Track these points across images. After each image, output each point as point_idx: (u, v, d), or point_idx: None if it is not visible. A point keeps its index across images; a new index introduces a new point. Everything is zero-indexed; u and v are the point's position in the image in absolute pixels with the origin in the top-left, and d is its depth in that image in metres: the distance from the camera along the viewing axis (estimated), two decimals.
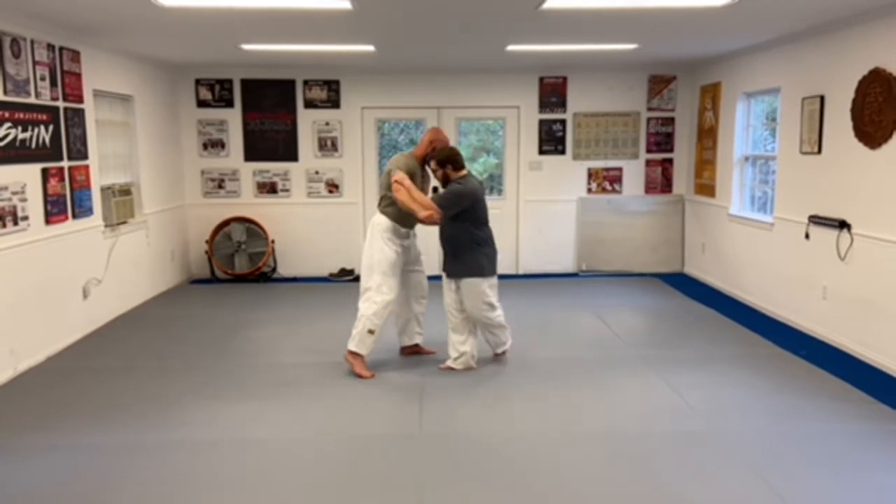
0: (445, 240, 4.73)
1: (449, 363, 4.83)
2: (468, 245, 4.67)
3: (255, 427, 3.98)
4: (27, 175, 4.98)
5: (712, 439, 3.78)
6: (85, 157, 5.80)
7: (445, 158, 4.69)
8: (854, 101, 5.12)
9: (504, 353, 5.08)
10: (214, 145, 8.04)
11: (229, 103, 7.96)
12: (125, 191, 6.56)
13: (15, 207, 4.82)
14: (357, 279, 7.95)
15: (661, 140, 8.29)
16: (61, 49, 5.44)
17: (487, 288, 4.75)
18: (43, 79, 5.18)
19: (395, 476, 3.42)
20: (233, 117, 7.98)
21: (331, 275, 8.13)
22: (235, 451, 3.67)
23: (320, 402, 4.33)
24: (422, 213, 4.53)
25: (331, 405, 4.29)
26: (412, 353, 5.13)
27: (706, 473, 3.42)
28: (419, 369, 4.84)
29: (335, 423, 4.05)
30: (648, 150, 8.29)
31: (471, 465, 3.52)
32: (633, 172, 8.31)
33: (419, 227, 4.89)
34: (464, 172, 4.72)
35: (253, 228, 7.85)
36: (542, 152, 8.22)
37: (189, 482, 3.37)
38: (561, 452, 3.65)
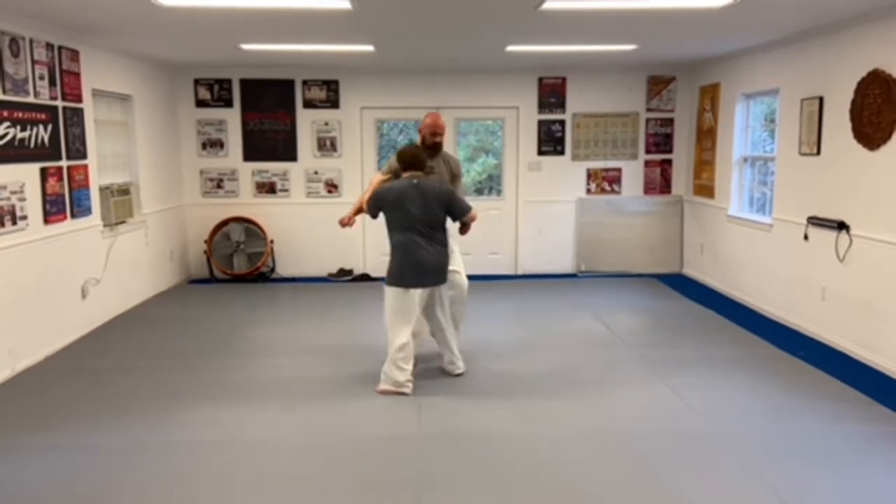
0: None
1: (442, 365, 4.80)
2: (390, 249, 4.50)
3: (253, 427, 3.98)
4: (26, 174, 4.97)
5: (711, 440, 3.78)
6: (84, 156, 5.79)
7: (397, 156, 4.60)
8: (853, 102, 5.13)
9: (385, 391, 4.40)
10: (213, 145, 8.03)
11: (228, 103, 7.95)
12: (124, 190, 6.55)
13: (13, 207, 4.81)
14: (355, 279, 8.03)
15: (661, 141, 8.29)
16: (60, 48, 5.43)
17: (391, 300, 4.40)
18: (42, 78, 5.17)
19: (394, 477, 3.42)
20: (232, 117, 7.98)
21: (330, 275, 8.12)
22: (234, 452, 3.66)
23: (319, 403, 4.32)
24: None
25: (329, 405, 4.28)
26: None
27: (705, 474, 3.42)
28: (418, 370, 4.82)
29: (334, 423, 4.05)
30: (647, 151, 8.30)
31: (469, 465, 3.52)
32: (632, 173, 8.31)
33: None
34: (408, 174, 4.44)
35: (252, 228, 7.85)
36: (541, 153, 8.22)
37: (188, 482, 3.36)
38: (560, 453, 3.65)
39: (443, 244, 4.47)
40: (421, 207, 4.36)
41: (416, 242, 4.36)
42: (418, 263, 4.36)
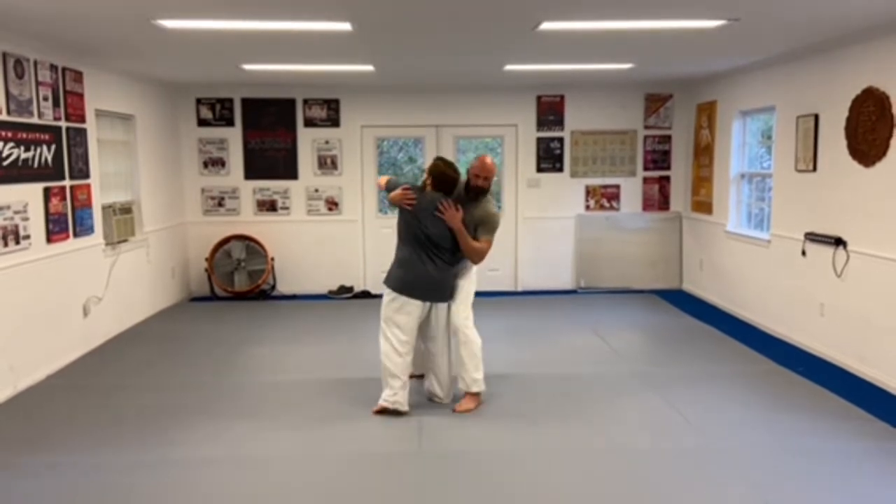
0: None
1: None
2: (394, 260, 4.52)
3: (253, 445, 3.99)
4: (29, 194, 5.02)
5: (710, 456, 3.79)
6: (86, 175, 5.84)
7: None
8: (848, 119, 5.18)
9: (383, 409, 4.35)
10: (215, 163, 8.09)
11: (230, 122, 8.02)
12: (126, 209, 6.60)
13: (17, 226, 4.85)
14: (356, 296, 8.05)
15: (658, 158, 8.35)
16: (64, 70, 5.50)
17: (387, 302, 4.41)
18: (46, 99, 5.23)
19: (395, 494, 3.43)
20: (233, 136, 8.04)
21: (330, 292, 8.14)
22: (234, 470, 3.67)
23: (319, 420, 4.33)
24: None
25: (330, 423, 4.29)
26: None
27: (704, 491, 3.43)
28: (419, 387, 4.84)
29: (334, 441, 4.06)
30: (646, 168, 8.35)
31: (470, 482, 3.53)
32: (631, 190, 8.36)
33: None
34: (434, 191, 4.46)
35: (252, 246, 7.88)
36: (540, 170, 8.28)
37: (188, 500, 3.37)
38: (560, 469, 3.66)
39: (450, 263, 4.42)
40: (415, 220, 4.36)
41: (417, 258, 4.36)
42: (419, 278, 4.35)
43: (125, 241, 6.50)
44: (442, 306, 4.47)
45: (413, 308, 4.36)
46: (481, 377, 4.49)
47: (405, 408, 4.35)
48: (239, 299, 7.87)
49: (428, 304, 4.42)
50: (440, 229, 4.35)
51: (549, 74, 7.08)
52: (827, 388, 4.78)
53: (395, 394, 4.33)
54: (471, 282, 4.59)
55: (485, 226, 4.45)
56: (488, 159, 4.49)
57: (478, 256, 4.46)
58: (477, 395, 4.51)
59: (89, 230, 5.86)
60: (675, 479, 3.55)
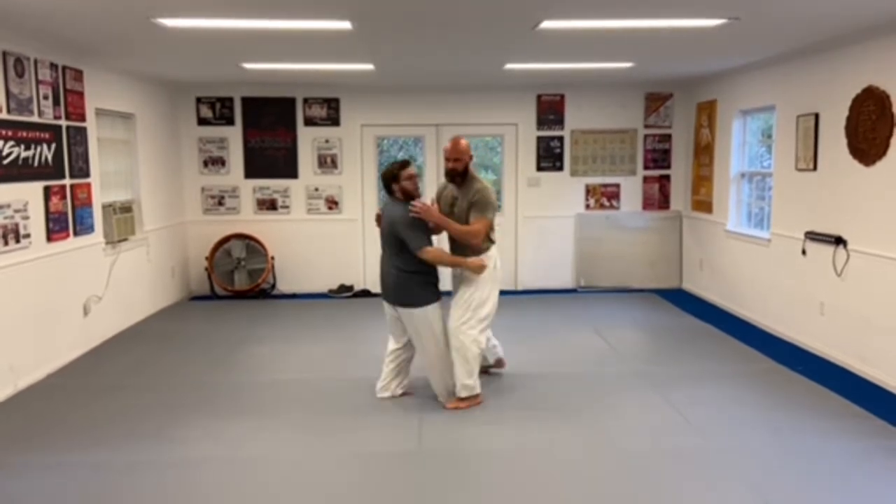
0: None
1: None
2: None
3: (252, 445, 3.99)
4: (29, 193, 5.02)
5: (710, 456, 3.79)
6: (87, 174, 5.84)
7: None
8: (848, 118, 5.18)
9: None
10: (215, 163, 8.09)
11: (230, 121, 8.02)
12: (126, 208, 6.60)
13: (17, 225, 4.85)
14: (356, 295, 8.05)
15: (659, 157, 8.35)
16: (64, 68, 5.50)
17: None
18: (46, 98, 5.23)
19: (395, 493, 3.43)
20: (233, 135, 8.04)
21: (330, 291, 8.15)
22: (233, 469, 3.68)
23: (319, 419, 4.34)
24: None
25: (330, 422, 4.29)
26: None
27: (704, 491, 3.43)
28: (418, 387, 4.84)
29: (334, 440, 4.06)
30: (646, 167, 8.35)
31: (470, 481, 3.54)
32: (631, 189, 8.36)
33: None
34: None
35: (253, 245, 7.88)
36: (540, 169, 8.28)
37: (188, 499, 3.37)
38: (559, 468, 3.67)
39: (397, 268, 4.39)
40: (383, 229, 4.47)
41: (382, 259, 4.57)
42: (381, 278, 4.58)
43: (125, 240, 6.50)
44: (405, 311, 4.41)
45: (386, 308, 4.60)
46: (472, 382, 4.46)
47: (382, 394, 4.66)
48: (239, 298, 7.87)
49: (393, 306, 4.53)
50: (383, 235, 4.46)
51: (549, 73, 7.07)
52: (827, 387, 4.78)
53: (380, 380, 4.71)
54: (478, 286, 4.46)
55: (474, 206, 4.44)
56: (462, 141, 4.50)
57: (474, 238, 4.42)
58: (468, 398, 4.50)
59: (89, 229, 5.86)
60: (675, 479, 3.55)
